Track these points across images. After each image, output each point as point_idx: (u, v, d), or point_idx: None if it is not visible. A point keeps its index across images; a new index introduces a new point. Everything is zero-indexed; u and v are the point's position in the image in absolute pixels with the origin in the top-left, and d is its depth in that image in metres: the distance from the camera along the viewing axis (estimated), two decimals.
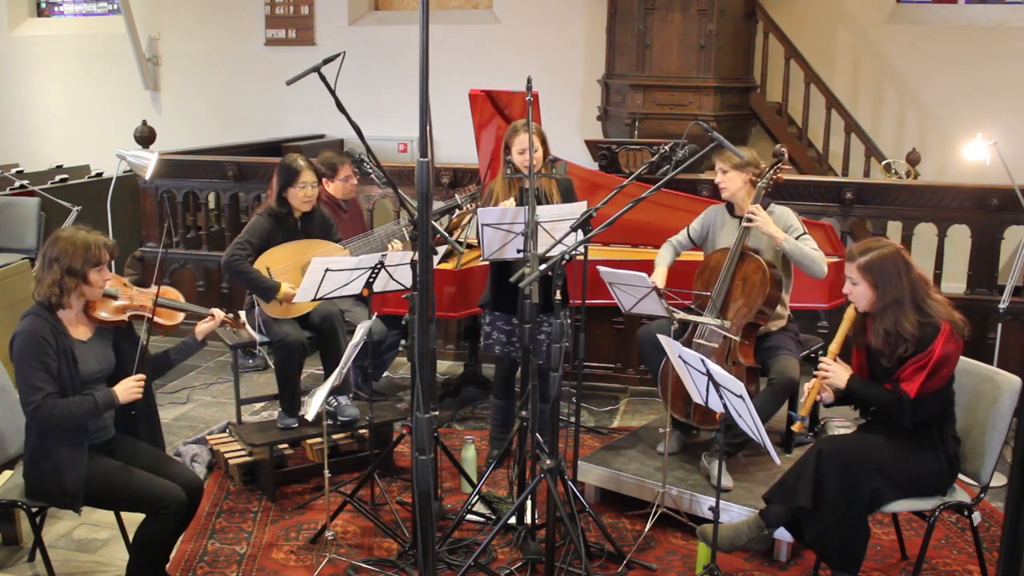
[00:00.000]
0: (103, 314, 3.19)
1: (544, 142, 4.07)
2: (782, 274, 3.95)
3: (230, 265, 4.21)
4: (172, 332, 3.46)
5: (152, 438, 3.36)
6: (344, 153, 5.12)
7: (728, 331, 3.87)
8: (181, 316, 3.38)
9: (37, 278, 3.09)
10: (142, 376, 3.15)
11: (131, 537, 3.30)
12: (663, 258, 4.22)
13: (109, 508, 3.32)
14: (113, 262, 3.25)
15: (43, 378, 2.98)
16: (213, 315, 3.40)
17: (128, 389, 3.11)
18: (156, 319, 3.26)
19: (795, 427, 3.33)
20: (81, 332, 3.17)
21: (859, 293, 3.17)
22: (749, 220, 3.87)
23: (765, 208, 3.94)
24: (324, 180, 4.96)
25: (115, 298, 3.22)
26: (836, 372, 3.20)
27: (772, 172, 3.97)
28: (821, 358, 3.25)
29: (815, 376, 3.24)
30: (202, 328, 3.39)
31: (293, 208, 4.33)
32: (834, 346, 3.25)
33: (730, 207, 4.11)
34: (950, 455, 3.17)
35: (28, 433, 3.13)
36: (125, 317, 3.23)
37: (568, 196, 4.18)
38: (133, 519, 3.22)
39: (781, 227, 3.90)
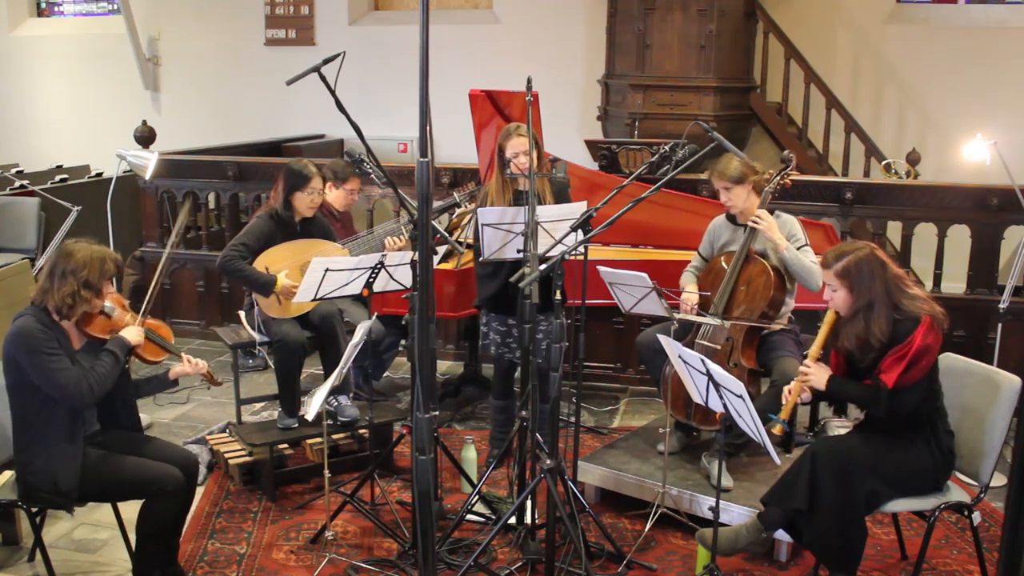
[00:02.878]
0: (94, 330, 3.21)
1: (538, 145, 4.05)
2: (787, 277, 3.95)
3: (224, 265, 4.22)
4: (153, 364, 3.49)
5: (133, 427, 3.38)
6: (345, 154, 5.12)
7: (726, 328, 3.88)
8: (164, 355, 3.41)
9: (44, 288, 3.09)
10: (141, 327, 3.27)
11: (131, 538, 3.31)
12: (688, 280, 4.21)
13: (108, 499, 3.33)
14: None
15: (63, 362, 3.02)
16: (192, 363, 3.39)
17: (134, 334, 3.20)
18: (139, 352, 3.30)
19: (775, 430, 3.28)
20: (73, 342, 3.18)
21: (839, 299, 3.19)
22: (755, 223, 3.88)
23: (771, 213, 3.94)
24: (329, 185, 4.96)
25: (109, 316, 3.25)
26: (816, 374, 3.23)
27: (779, 177, 3.98)
28: (803, 362, 3.28)
29: (797, 379, 3.28)
30: (177, 370, 3.40)
31: (296, 212, 4.34)
32: (814, 349, 3.28)
33: (731, 216, 4.11)
34: (943, 449, 3.18)
35: (17, 436, 3.13)
36: (109, 337, 3.24)
37: (561, 197, 4.17)
38: (133, 520, 3.22)
39: (784, 234, 3.91)
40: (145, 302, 3.34)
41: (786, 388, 3.33)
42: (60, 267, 3.08)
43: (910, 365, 3.05)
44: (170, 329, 3.51)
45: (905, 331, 3.07)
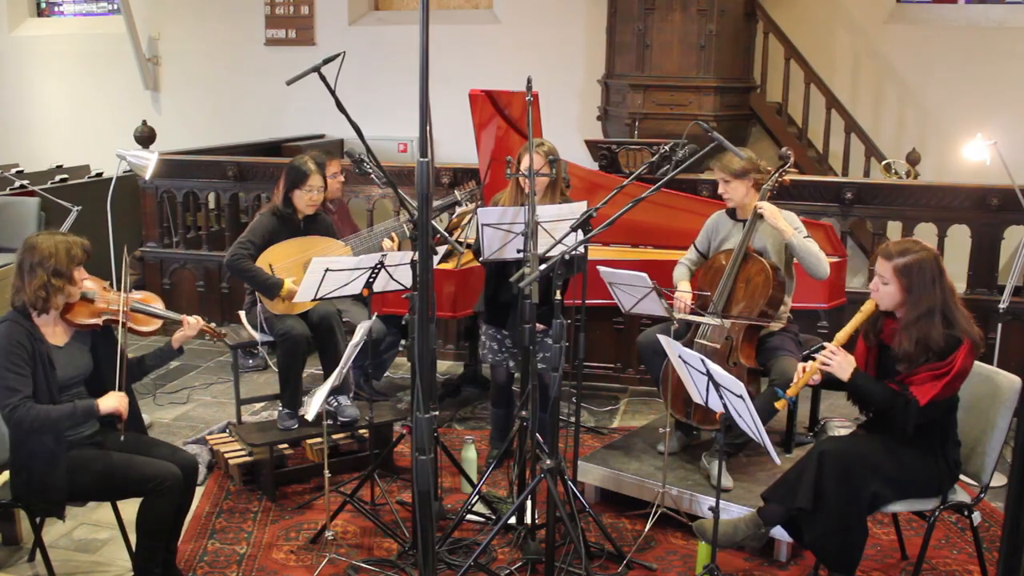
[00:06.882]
0: (79, 318, 3.19)
1: (553, 163, 4.02)
2: (785, 276, 3.95)
3: (232, 264, 4.23)
4: (152, 336, 3.48)
5: (134, 427, 3.36)
6: (344, 153, 5.13)
7: (725, 328, 3.88)
8: (158, 322, 3.40)
9: (16, 287, 3.08)
10: (125, 395, 3.16)
11: (131, 538, 3.30)
12: (681, 275, 4.19)
13: (107, 498, 3.33)
14: (120, 266, 3.26)
15: (19, 380, 2.99)
16: (188, 323, 3.39)
17: (110, 403, 3.10)
18: (131, 325, 3.28)
19: (778, 404, 3.23)
20: (58, 338, 3.17)
21: (887, 293, 3.10)
22: (759, 212, 3.87)
23: None
24: None
25: (92, 301, 3.23)
26: (840, 363, 3.11)
27: (777, 175, 3.97)
28: (826, 344, 3.19)
29: (815, 360, 3.17)
30: (178, 336, 3.40)
31: (297, 210, 4.35)
32: (842, 335, 3.17)
33: (731, 212, 4.11)
34: (950, 460, 3.16)
35: (10, 442, 3.12)
36: (100, 321, 3.24)
37: None
38: (132, 520, 3.22)
39: None
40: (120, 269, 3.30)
41: (801, 365, 3.24)
42: (27, 261, 3.07)
43: (947, 386, 3.01)
44: (159, 297, 3.50)
45: (949, 348, 3.01)
